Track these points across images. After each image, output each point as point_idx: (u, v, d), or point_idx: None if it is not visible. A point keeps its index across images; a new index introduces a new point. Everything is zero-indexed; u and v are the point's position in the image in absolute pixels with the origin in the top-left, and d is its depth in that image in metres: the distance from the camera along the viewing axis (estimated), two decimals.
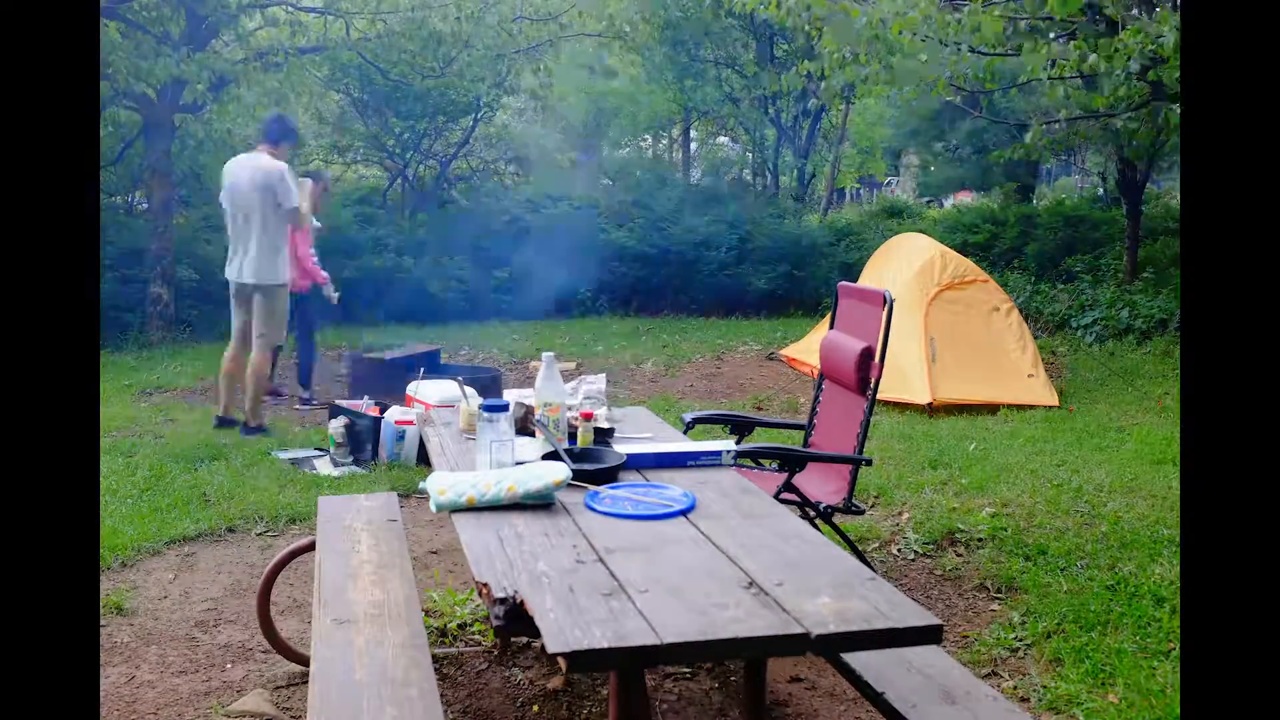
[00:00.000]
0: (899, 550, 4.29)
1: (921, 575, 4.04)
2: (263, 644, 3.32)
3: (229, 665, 3.29)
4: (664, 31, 14.44)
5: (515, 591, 1.89)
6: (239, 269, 6.16)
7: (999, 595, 3.80)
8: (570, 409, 3.01)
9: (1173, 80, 4.87)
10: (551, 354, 2.96)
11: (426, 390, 5.94)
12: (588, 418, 2.96)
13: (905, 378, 6.98)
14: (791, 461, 3.29)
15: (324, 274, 7.07)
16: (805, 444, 3.90)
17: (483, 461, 2.61)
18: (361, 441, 5.64)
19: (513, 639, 3.34)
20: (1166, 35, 4.80)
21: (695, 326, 11.42)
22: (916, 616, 1.81)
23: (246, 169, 6.09)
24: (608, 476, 2.61)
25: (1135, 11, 6.08)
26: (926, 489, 5.05)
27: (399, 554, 2.96)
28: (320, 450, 5.85)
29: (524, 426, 3.00)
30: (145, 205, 10.76)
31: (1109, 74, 5.20)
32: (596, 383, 3.32)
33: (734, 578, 1.96)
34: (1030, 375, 7.32)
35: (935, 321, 7.31)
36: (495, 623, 1.89)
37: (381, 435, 5.58)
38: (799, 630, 1.74)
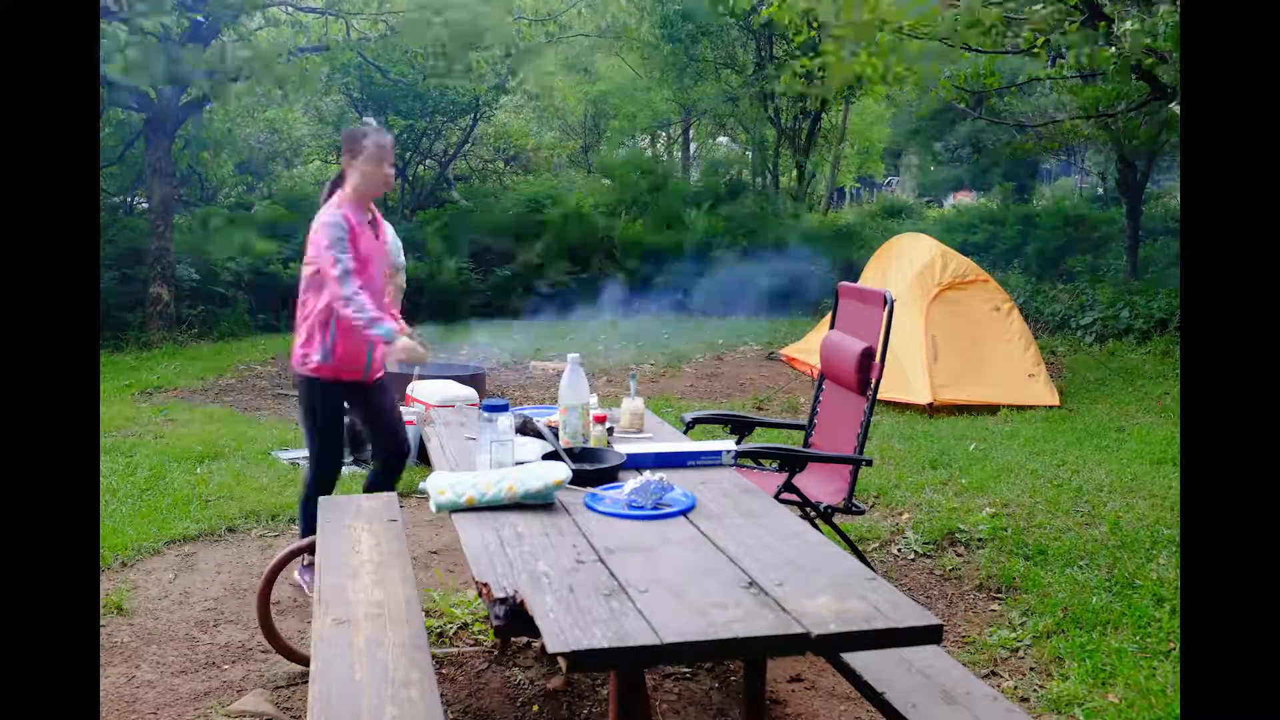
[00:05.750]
0: (899, 550, 4.29)
1: (921, 575, 4.04)
2: (263, 644, 3.32)
3: (229, 665, 3.28)
4: (663, 30, 14.45)
5: (515, 591, 1.89)
6: None
7: (999, 595, 3.80)
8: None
9: (1172, 78, 4.88)
10: (577, 355, 2.93)
11: (426, 390, 5.94)
12: (600, 421, 2.96)
13: (905, 378, 6.98)
14: (792, 461, 3.29)
15: None
16: (805, 444, 3.90)
17: (483, 461, 2.61)
18: (361, 441, 5.64)
19: (513, 639, 3.34)
20: (1161, 28, 4.81)
21: (695, 326, 11.42)
22: (916, 616, 1.80)
23: None
24: (608, 476, 2.60)
25: (1133, 9, 6.09)
26: (926, 489, 5.05)
27: (399, 554, 2.96)
28: None
29: (523, 429, 3.01)
30: (145, 205, 10.77)
31: (1111, 58, 5.20)
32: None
33: (734, 578, 1.96)
34: (1031, 375, 7.32)
35: (936, 321, 7.31)
36: (495, 623, 1.89)
37: None
38: (799, 630, 1.74)
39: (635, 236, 12.99)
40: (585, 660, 1.68)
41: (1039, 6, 5.77)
